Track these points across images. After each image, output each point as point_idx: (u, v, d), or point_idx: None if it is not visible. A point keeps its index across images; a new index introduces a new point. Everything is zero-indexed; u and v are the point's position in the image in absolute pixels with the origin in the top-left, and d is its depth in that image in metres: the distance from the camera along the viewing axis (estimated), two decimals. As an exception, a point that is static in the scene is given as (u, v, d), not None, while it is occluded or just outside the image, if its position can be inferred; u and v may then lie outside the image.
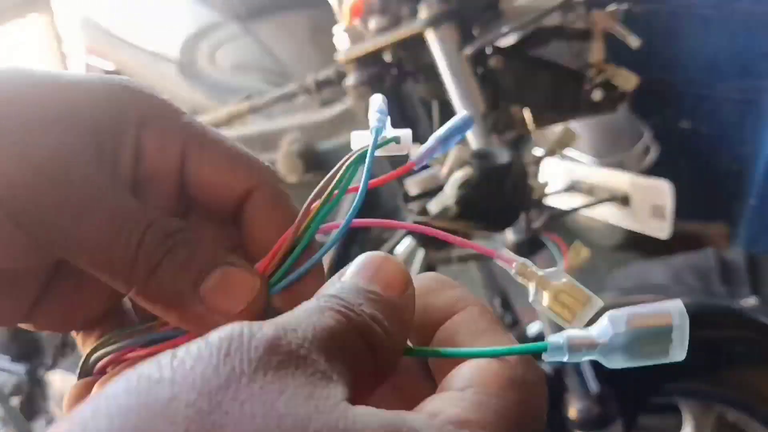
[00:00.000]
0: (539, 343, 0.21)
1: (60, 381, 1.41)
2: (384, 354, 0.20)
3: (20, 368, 1.51)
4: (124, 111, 0.24)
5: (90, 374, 0.25)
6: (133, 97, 0.24)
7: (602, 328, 0.20)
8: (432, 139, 0.28)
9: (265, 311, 0.23)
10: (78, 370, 0.25)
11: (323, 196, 0.25)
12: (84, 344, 0.27)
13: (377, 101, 0.27)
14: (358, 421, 0.16)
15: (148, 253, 0.22)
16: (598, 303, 0.21)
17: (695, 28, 1.50)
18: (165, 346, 0.24)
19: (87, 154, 0.22)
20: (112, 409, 0.15)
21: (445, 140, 0.28)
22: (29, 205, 0.21)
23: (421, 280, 0.23)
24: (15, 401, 1.51)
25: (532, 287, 0.22)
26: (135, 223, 0.22)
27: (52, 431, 0.15)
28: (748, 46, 1.49)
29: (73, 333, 0.28)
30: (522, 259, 0.22)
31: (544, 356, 0.21)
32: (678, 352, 0.19)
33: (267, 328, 0.17)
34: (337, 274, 0.22)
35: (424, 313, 0.22)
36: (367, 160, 0.26)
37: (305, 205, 0.25)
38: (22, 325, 0.26)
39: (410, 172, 0.27)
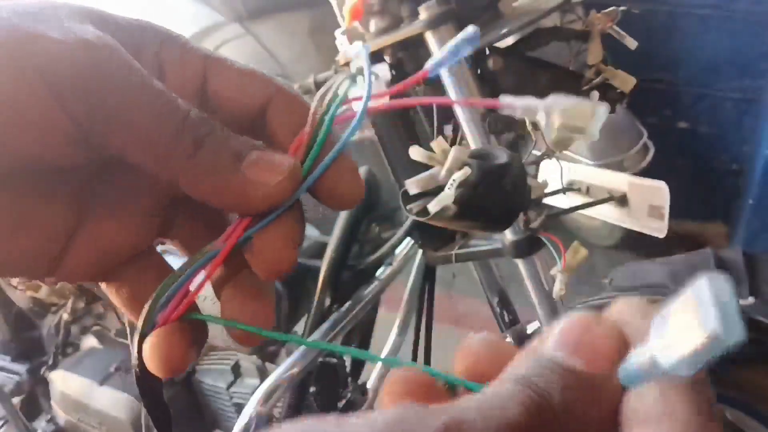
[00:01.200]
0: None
1: (61, 380, 1.41)
2: None
3: (21, 368, 1.51)
4: (144, 30, 0.25)
5: (153, 328, 0.24)
6: (151, 24, 0.26)
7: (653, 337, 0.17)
8: (443, 50, 0.28)
9: (299, 190, 0.24)
10: (139, 330, 0.25)
11: (331, 91, 0.26)
12: (115, 296, 0.27)
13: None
14: None
15: (191, 131, 0.23)
16: (603, 110, 0.20)
17: (694, 28, 1.50)
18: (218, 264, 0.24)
19: (123, 49, 0.23)
20: None
21: (454, 52, 0.28)
22: (75, 80, 0.21)
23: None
24: (16, 401, 1.51)
25: (541, 117, 0.21)
26: (177, 108, 0.23)
27: None
28: (747, 46, 1.49)
29: (102, 285, 0.28)
30: (523, 100, 0.21)
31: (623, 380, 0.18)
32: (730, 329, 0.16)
33: (439, 416, 0.16)
34: (538, 341, 0.19)
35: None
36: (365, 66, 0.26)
37: (315, 102, 0.26)
38: (49, 280, 0.26)
39: (425, 81, 0.27)
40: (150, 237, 0.27)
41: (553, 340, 0.18)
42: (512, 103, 0.23)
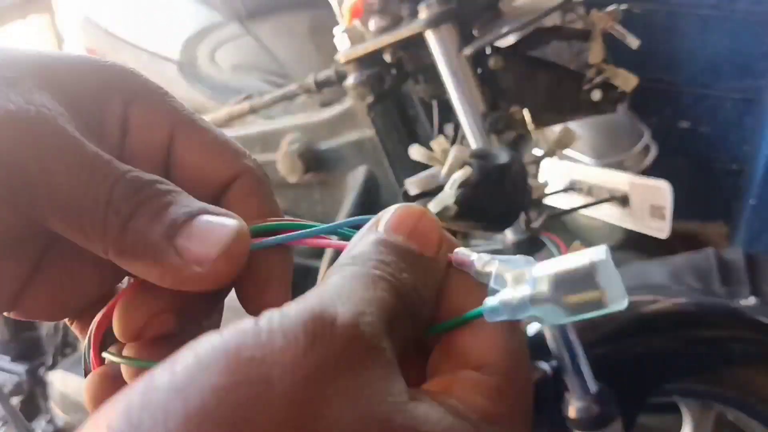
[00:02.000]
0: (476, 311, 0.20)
1: (60, 381, 1.41)
2: (420, 323, 0.20)
3: (21, 368, 1.51)
4: (111, 85, 0.24)
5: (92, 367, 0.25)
6: (122, 74, 0.24)
7: (528, 283, 0.20)
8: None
9: (247, 259, 0.22)
10: (83, 368, 0.25)
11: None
12: (80, 335, 0.27)
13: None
14: (429, 419, 0.17)
15: (118, 207, 0.21)
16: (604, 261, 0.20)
17: (694, 27, 1.50)
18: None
19: (63, 114, 0.22)
20: (206, 384, 0.15)
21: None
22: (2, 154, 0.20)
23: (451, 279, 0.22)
24: (15, 401, 1.51)
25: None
26: (104, 176, 0.21)
27: (114, 405, 0.15)
28: (748, 45, 1.49)
29: (69, 323, 0.27)
30: (478, 257, 0.21)
31: (486, 317, 0.20)
32: (614, 299, 0.18)
33: (343, 311, 0.17)
34: (371, 224, 0.21)
35: (448, 303, 0.22)
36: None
37: None
38: (10, 314, 0.25)
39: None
40: (111, 281, 0.26)
41: (390, 225, 0.21)
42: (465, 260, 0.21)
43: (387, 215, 0.21)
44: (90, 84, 0.23)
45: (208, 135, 0.25)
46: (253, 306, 0.24)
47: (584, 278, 0.18)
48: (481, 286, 0.21)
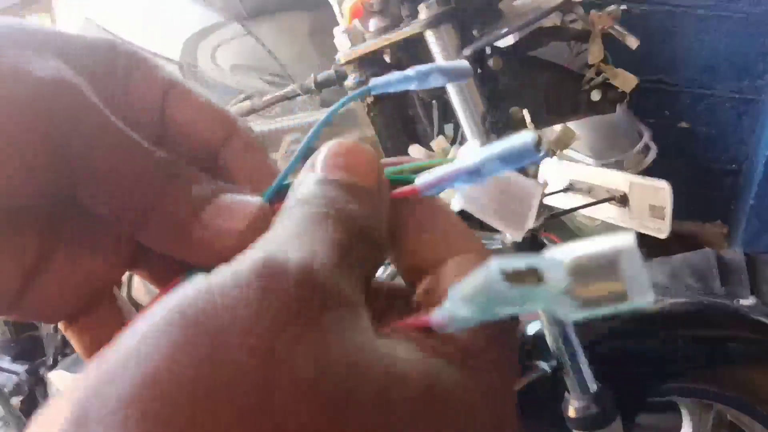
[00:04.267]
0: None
1: (61, 381, 1.41)
2: (377, 252, 0.20)
3: (21, 368, 1.51)
4: (116, 61, 0.24)
5: None
6: (121, 47, 0.25)
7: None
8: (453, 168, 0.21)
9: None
10: None
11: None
12: (77, 342, 0.26)
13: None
14: (399, 357, 0.16)
15: (150, 183, 0.22)
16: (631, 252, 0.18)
17: (693, 28, 1.50)
18: None
19: (88, 87, 0.22)
20: (162, 341, 0.14)
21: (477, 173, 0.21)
22: (35, 125, 0.21)
23: (416, 208, 0.22)
24: (15, 401, 1.51)
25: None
26: (134, 156, 0.22)
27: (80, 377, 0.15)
28: (746, 46, 1.50)
29: (64, 328, 0.27)
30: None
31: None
32: (638, 293, 0.16)
33: (294, 255, 0.17)
34: (307, 167, 0.21)
35: (413, 253, 0.22)
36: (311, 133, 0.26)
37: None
38: (11, 316, 0.25)
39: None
40: (117, 272, 0.26)
41: (326, 163, 0.21)
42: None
43: (321, 155, 0.21)
44: (99, 59, 0.24)
45: (200, 98, 0.26)
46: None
47: (606, 267, 0.16)
48: (444, 214, 0.22)
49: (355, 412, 0.15)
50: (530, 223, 0.21)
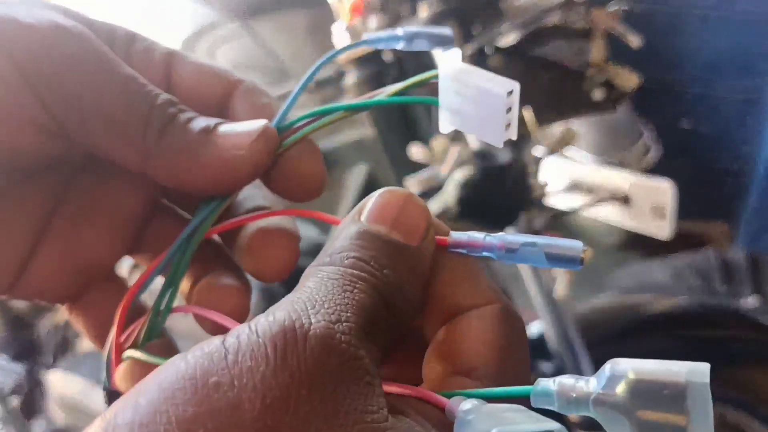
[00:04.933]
0: (521, 390, 0.18)
1: (60, 381, 1.40)
2: (405, 320, 0.19)
3: (19, 367, 1.51)
4: (113, 27, 0.25)
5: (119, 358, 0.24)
6: (116, 24, 0.26)
7: (600, 377, 0.16)
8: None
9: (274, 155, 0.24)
10: (105, 360, 0.24)
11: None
12: (80, 321, 0.26)
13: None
14: None
15: (160, 114, 0.22)
16: None
17: (696, 27, 1.50)
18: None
19: (94, 35, 0.23)
20: (172, 417, 0.14)
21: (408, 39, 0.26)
22: (47, 65, 0.21)
23: (450, 262, 0.21)
24: (14, 401, 1.51)
25: None
26: (147, 92, 0.23)
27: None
28: (749, 45, 1.49)
29: (68, 309, 0.27)
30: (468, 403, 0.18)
31: (533, 401, 0.18)
32: (699, 429, 0.15)
33: (316, 320, 0.16)
34: (353, 214, 0.20)
35: (440, 298, 0.21)
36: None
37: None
38: (12, 295, 0.25)
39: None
40: (117, 253, 0.26)
41: (372, 214, 0.20)
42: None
43: (370, 202, 0.20)
44: (96, 24, 0.25)
45: (197, 62, 0.26)
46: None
47: (672, 396, 0.15)
48: (475, 266, 0.21)
49: None
50: (511, 133, 0.22)
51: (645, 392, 0.15)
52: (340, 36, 0.87)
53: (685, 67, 1.58)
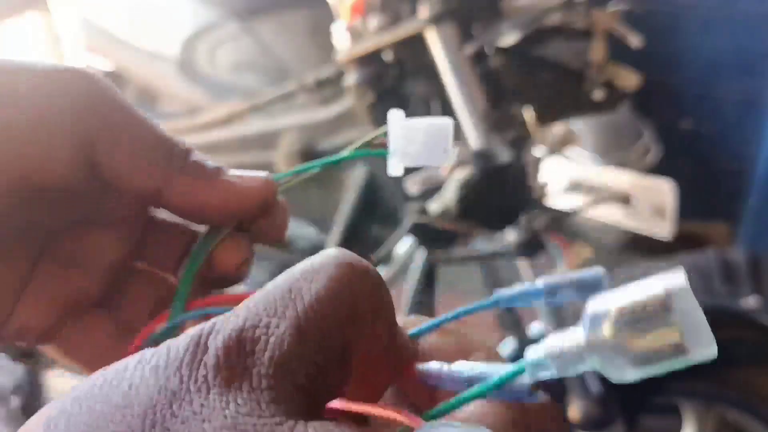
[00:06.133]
0: (514, 368, 0.16)
1: (60, 381, 1.40)
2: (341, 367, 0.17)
3: (20, 368, 1.51)
4: (100, 94, 0.24)
5: None
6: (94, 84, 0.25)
7: (584, 323, 0.15)
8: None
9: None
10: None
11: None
12: (63, 358, 0.26)
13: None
14: None
15: (182, 148, 0.25)
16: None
17: (696, 27, 1.50)
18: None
19: (114, 86, 0.25)
20: (75, 410, 0.15)
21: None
22: (80, 106, 0.23)
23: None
24: (15, 401, 1.51)
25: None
26: (170, 135, 0.25)
27: (28, 425, 0.16)
28: (749, 45, 1.49)
29: (48, 343, 0.26)
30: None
31: (528, 373, 0.17)
32: (696, 342, 0.14)
33: (225, 331, 0.16)
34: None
35: (429, 353, 0.21)
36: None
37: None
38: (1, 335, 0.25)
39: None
40: (104, 287, 0.26)
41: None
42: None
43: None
44: (81, 98, 0.25)
45: (129, 148, 0.24)
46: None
47: (656, 313, 0.14)
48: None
49: None
50: (453, 156, 0.27)
51: (630, 320, 0.14)
52: (340, 36, 0.87)
53: (685, 67, 1.58)
